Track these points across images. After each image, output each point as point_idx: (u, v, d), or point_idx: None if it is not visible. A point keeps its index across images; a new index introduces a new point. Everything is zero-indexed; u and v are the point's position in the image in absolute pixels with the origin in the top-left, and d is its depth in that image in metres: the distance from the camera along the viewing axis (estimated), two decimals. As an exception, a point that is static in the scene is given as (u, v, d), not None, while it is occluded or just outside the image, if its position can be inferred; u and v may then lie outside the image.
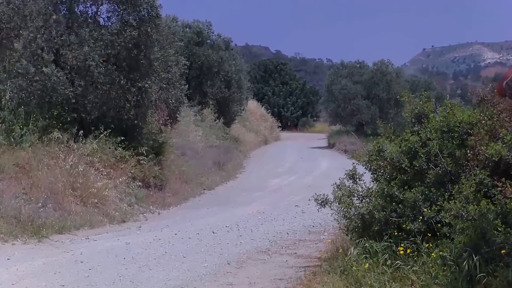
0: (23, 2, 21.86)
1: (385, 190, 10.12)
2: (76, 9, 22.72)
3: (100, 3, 22.92)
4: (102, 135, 21.03)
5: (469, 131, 9.96)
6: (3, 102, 20.26)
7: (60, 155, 19.23)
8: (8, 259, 12.64)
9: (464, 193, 8.91)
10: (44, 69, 20.81)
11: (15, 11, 21.60)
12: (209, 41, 37.62)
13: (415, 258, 8.88)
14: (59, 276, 10.97)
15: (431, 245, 8.91)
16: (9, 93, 20.52)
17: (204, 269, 10.90)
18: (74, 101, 21.28)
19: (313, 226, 12.98)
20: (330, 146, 54.50)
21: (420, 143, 10.28)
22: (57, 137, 19.82)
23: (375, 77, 56.75)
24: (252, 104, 61.60)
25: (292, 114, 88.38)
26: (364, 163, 11.05)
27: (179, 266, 11.45)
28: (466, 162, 9.61)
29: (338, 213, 10.64)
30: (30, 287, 10.07)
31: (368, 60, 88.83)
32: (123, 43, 21.79)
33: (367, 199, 10.46)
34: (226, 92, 38.63)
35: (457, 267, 7.91)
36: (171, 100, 26.04)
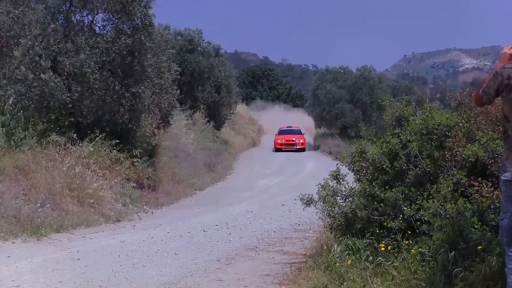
0: (22, 11, 21.81)
1: (367, 190, 10.14)
2: (72, 18, 22.73)
3: (95, 12, 22.94)
4: (97, 138, 21.00)
5: (447, 133, 9.98)
6: (5, 107, 20.29)
7: (58, 157, 19.22)
8: (9, 256, 12.63)
9: (442, 192, 8.94)
10: (42, 75, 20.79)
11: (14, 20, 21.56)
12: (199, 48, 37.67)
13: (395, 255, 8.89)
14: (57, 272, 10.98)
15: (410, 242, 8.92)
16: (12, 98, 20.57)
17: (195, 266, 10.91)
18: (71, 106, 21.29)
19: (299, 225, 13.01)
20: (315, 148, 55.56)
21: (401, 145, 10.29)
22: (55, 140, 19.83)
23: (358, 82, 57.23)
24: (241, 108, 62.76)
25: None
26: (347, 164, 11.07)
27: (171, 262, 11.45)
28: (444, 163, 9.64)
29: (322, 212, 10.64)
30: (29, 284, 10.06)
31: (351, 65, 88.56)
32: (117, 51, 21.81)
33: (350, 199, 10.47)
34: (216, 96, 38.70)
35: (435, 263, 7.93)
36: (164, 105, 26.07)
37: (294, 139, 54.98)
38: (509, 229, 6.20)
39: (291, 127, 59.70)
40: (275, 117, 75.82)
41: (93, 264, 11.81)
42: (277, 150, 53.84)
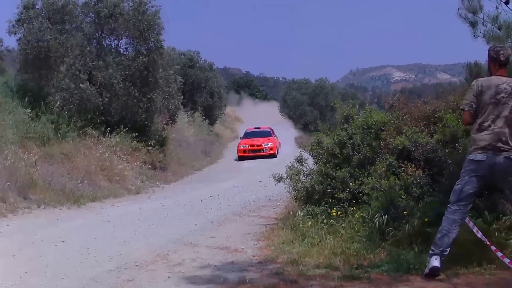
0: (66, 37, 21.88)
1: (323, 170, 10.16)
2: (103, 43, 23.03)
3: (120, 38, 23.10)
4: (122, 132, 21.32)
5: (382, 128, 10.02)
6: (53, 109, 20.26)
7: (93, 146, 19.36)
8: (57, 219, 12.66)
9: (378, 172, 8.98)
10: (81, 85, 21.01)
11: (60, 44, 21.65)
12: (198, 64, 37.59)
13: (343, 218, 8.91)
14: (93, 231, 10.96)
15: (355, 208, 8.92)
16: (58, 102, 20.57)
17: (194, 227, 10.93)
18: (102, 108, 21.63)
19: (272, 196, 13.02)
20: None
21: (348, 137, 10.32)
22: (91, 133, 20.05)
23: (316, 90, 57.61)
24: (229, 109, 61.65)
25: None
26: (308, 151, 11.09)
27: (177, 224, 11.48)
28: (380, 150, 9.64)
29: (289, 187, 10.66)
30: (72, 240, 10.04)
31: (311, 77, 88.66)
32: (137, 67, 21.99)
33: (310, 177, 10.46)
34: (210, 101, 38.66)
35: (372, 224, 7.92)
36: (171, 107, 26.07)
37: (261, 143, 34.46)
38: (459, 192, 6.30)
39: (259, 128, 39.22)
40: (256, 110, 62.85)
41: (119, 225, 11.81)
42: (240, 158, 33.78)
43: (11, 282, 7.19)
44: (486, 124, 6.30)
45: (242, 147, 34.43)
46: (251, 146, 34.22)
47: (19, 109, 19.05)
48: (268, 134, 36.60)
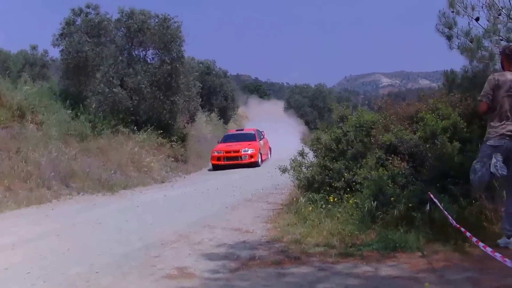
0: (101, 49, 22.02)
1: (321, 162, 10.12)
2: (133, 53, 23.10)
3: (147, 49, 23.18)
4: (149, 129, 21.37)
5: (372, 126, 10.01)
6: (90, 110, 20.35)
7: (124, 142, 19.43)
8: (94, 204, 12.73)
9: (369, 164, 8.95)
10: (114, 89, 21.05)
11: (96, 54, 21.85)
12: (214, 72, 37.41)
13: (339, 204, 8.89)
14: (124, 215, 11.01)
15: (349, 195, 8.89)
16: (95, 104, 20.68)
17: (211, 211, 10.93)
18: (132, 109, 21.64)
19: (278, 185, 12.97)
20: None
21: (343, 134, 10.29)
22: (122, 131, 20.08)
23: (315, 94, 57.48)
24: (241, 110, 61.34)
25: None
26: (309, 146, 11.06)
27: (197, 209, 11.47)
28: (370, 145, 9.61)
29: (293, 177, 10.63)
30: (107, 222, 10.11)
31: (311, 82, 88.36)
32: (161, 74, 22.06)
33: (311, 168, 10.41)
34: (224, 103, 38.46)
35: (364, 209, 7.93)
36: (191, 108, 25.98)
37: (239, 149, 24.32)
38: (474, 169, 6.33)
39: (242, 130, 29.72)
40: (262, 108, 54.62)
41: (147, 209, 11.88)
42: (214, 167, 23.93)
43: (56, 257, 7.26)
44: (503, 115, 6.28)
45: (216, 153, 24.03)
46: (226, 152, 23.81)
47: (61, 110, 19.16)
48: (251, 137, 25.60)
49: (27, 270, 6.53)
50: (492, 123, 6.38)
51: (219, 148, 24.37)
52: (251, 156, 23.74)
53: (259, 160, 24.12)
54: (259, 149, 24.46)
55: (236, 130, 28.13)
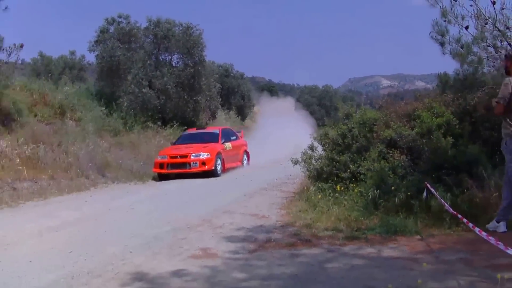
0: (131, 54, 22.17)
1: (329, 155, 10.06)
2: (160, 57, 23.26)
3: (172, 54, 23.37)
4: (174, 126, 21.44)
5: (374, 123, 9.97)
6: (122, 108, 20.47)
7: (152, 136, 19.51)
8: (127, 192, 12.81)
9: (372, 157, 8.93)
10: (143, 90, 21.21)
11: (127, 58, 22.03)
12: (232, 74, 37.46)
13: (345, 192, 8.88)
14: (153, 201, 11.14)
15: (354, 185, 8.89)
16: (126, 103, 20.79)
17: (231, 198, 10.89)
18: (159, 107, 21.80)
19: (291, 175, 12.84)
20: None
21: (348, 130, 10.24)
22: (151, 126, 20.19)
23: (323, 94, 57.42)
24: (255, 108, 60.97)
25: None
26: (318, 140, 11.01)
27: (218, 196, 11.48)
28: (373, 140, 9.59)
29: (304, 168, 10.62)
30: (138, 207, 10.18)
31: (319, 83, 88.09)
32: (185, 76, 22.25)
33: (320, 160, 10.36)
34: (242, 102, 38.41)
35: (368, 197, 7.93)
36: (212, 107, 26.13)
37: (188, 153, 16.54)
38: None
39: (204, 129, 20.37)
40: (274, 103, 46.12)
41: (174, 196, 11.94)
42: (160, 177, 16.04)
43: (94, 238, 7.34)
44: None
45: (160, 158, 16.55)
46: (171, 157, 16.48)
47: (97, 108, 19.33)
48: (212, 138, 18.01)
49: (69, 249, 6.59)
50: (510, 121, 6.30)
51: (165, 152, 16.83)
52: (203, 163, 16.17)
53: (217, 168, 16.54)
54: (218, 154, 16.76)
55: (197, 129, 19.52)
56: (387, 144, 9.03)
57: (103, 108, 19.51)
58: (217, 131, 18.60)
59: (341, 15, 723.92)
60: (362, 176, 8.84)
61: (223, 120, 31.16)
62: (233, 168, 17.94)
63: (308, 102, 56.05)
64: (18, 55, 15.82)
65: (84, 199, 11.59)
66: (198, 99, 22.80)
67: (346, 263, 5.56)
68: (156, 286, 5.02)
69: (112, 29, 23.02)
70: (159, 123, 21.03)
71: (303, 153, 10.77)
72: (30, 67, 28.78)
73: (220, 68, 36.37)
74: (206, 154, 16.41)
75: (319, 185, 9.65)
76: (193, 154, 16.34)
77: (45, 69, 26.91)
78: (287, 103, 56.81)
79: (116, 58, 22.03)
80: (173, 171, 16.11)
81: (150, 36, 22.92)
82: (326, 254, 5.97)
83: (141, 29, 23.06)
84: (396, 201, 7.49)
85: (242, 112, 39.20)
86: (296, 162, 10.72)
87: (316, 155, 10.66)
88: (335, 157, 9.94)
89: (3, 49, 15.39)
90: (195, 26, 22.81)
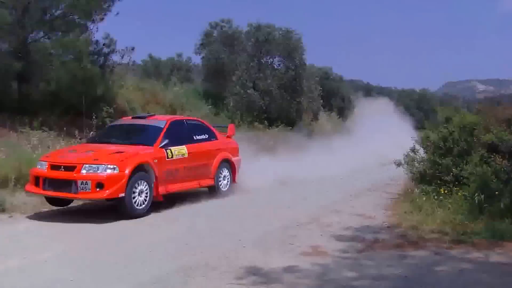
0: (235, 57, 22.98)
1: (432, 158, 9.97)
2: (262, 60, 23.76)
3: (274, 57, 23.91)
4: (280, 126, 21.73)
5: (474, 127, 9.75)
6: (229, 108, 21.37)
7: (260, 135, 19.78)
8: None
9: (474, 161, 8.87)
10: (248, 91, 21.81)
11: (231, 61, 22.79)
12: (331, 77, 37.45)
13: (449, 195, 8.82)
14: (263, 197, 10.86)
15: (457, 188, 8.84)
16: (232, 103, 21.61)
17: (337, 198, 10.85)
18: (264, 108, 22.26)
19: (394, 177, 12.63)
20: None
21: (449, 133, 10.03)
22: (257, 126, 20.74)
23: (420, 97, 57.00)
24: (355, 110, 59.21)
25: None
26: (420, 143, 10.90)
27: (325, 196, 11.27)
28: (474, 144, 9.46)
29: (407, 170, 10.58)
30: (247, 206, 10.04)
31: (415, 86, 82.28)
32: (287, 78, 22.73)
33: (422, 163, 10.24)
34: (342, 104, 38.24)
35: (472, 201, 7.92)
36: (314, 108, 26.32)
37: (76, 163, 8.18)
38: None
39: (144, 117, 10.27)
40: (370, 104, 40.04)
41: (282, 194, 11.49)
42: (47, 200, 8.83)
43: (208, 232, 7.40)
44: None
45: (38, 167, 8.78)
46: (52, 168, 8.53)
47: (204, 107, 20.25)
48: (150, 136, 9.58)
49: (186, 242, 6.75)
50: None
51: (49, 156, 9.16)
52: (100, 185, 8.27)
53: (131, 195, 8.52)
54: (139, 167, 8.79)
55: (132, 118, 11.04)
56: (488, 148, 8.88)
57: (210, 107, 20.39)
58: (160, 125, 9.97)
59: (439, 22, 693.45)
60: (465, 180, 8.74)
61: (324, 121, 30.98)
62: (187, 190, 10.42)
63: (407, 105, 55.07)
64: (130, 57, 16.74)
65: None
66: (301, 100, 23.25)
67: (454, 267, 5.61)
68: (269, 281, 5.16)
69: (215, 32, 23.97)
70: (265, 123, 21.49)
71: (406, 156, 10.74)
72: (140, 68, 30.04)
73: (320, 71, 36.50)
74: (111, 167, 8.45)
75: (423, 187, 9.59)
76: (86, 166, 8.45)
77: (155, 70, 28.13)
78: (385, 105, 55.24)
79: (220, 60, 22.95)
80: (49, 193, 8.69)
81: (252, 39, 23.53)
82: (433, 257, 6.04)
83: (243, 33, 23.82)
84: (500, 205, 7.46)
85: (343, 113, 39.06)
86: (399, 164, 10.66)
87: (418, 157, 10.56)
88: (437, 160, 9.82)
89: (116, 52, 16.27)
90: (294, 31, 23.49)
